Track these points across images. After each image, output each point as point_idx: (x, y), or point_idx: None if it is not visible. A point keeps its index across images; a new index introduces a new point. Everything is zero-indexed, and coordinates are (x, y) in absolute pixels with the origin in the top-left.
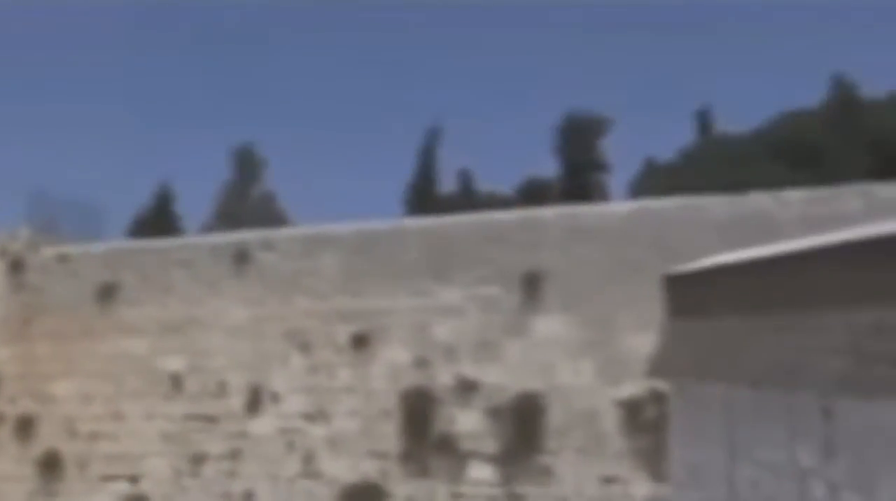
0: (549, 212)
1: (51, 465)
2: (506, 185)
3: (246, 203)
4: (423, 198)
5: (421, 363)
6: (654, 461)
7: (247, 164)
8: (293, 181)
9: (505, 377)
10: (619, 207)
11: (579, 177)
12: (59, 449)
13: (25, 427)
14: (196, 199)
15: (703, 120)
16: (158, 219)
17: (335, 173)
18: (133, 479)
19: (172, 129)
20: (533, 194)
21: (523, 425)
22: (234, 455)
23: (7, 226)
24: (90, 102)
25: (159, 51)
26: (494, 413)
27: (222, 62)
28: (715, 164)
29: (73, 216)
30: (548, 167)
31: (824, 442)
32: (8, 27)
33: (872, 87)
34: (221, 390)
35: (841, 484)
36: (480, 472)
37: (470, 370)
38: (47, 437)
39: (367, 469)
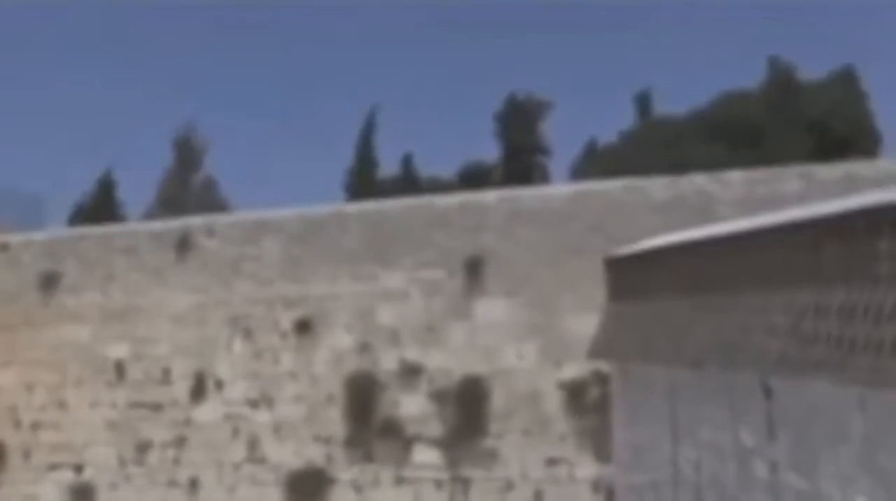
0: (490, 196)
1: None
2: (447, 170)
3: (188, 189)
4: (363, 182)
5: (364, 348)
6: (598, 442)
7: (188, 150)
8: (234, 167)
9: (449, 361)
10: (560, 190)
11: (520, 160)
12: (2, 439)
13: None
14: (138, 187)
15: (643, 102)
16: (100, 207)
17: (276, 159)
18: (78, 468)
19: (112, 115)
20: (474, 178)
21: (468, 408)
22: (179, 442)
23: None
24: (29, 89)
25: (96, 35)
26: (439, 396)
27: (162, 46)
28: (655, 146)
29: (13, 205)
30: (489, 151)
31: (766, 422)
32: None
33: (810, 69)
34: (165, 377)
35: (782, 464)
36: (425, 456)
37: (414, 354)
38: None
39: (312, 455)
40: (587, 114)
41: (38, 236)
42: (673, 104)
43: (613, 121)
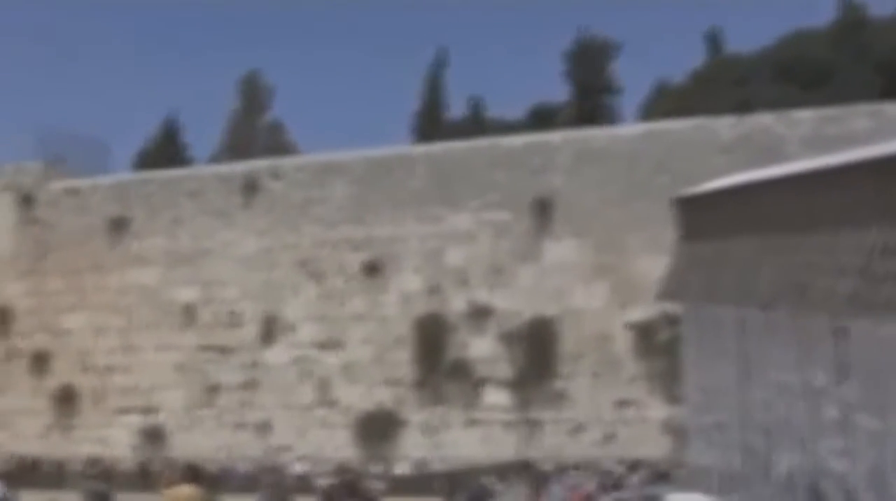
0: (558, 136)
1: (66, 399)
2: (516, 111)
3: (254, 133)
4: (431, 124)
5: (433, 289)
6: (667, 383)
7: (254, 93)
8: (301, 110)
9: (518, 302)
10: (628, 130)
11: (589, 100)
12: (74, 383)
13: (40, 361)
14: (203, 130)
15: (713, 41)
16: (165, 151)
17: (342, 101)
18: (148, 411)
19: (176, 59)
20: (543, 119)
21: (537, 350)
22: (249, 385)
23: (15, 161)
24: (91, 35)
25: None
26: (508, 338)
27: None
28: (723, 86)
29: (79, 150)
30: (558, 92)
31: (836, 363)
32: None
33: (879, 8)
34: (234, 320)
35: (854, 404)
36: (495, 397)
37: (482, 296)
38: (62, 371)
39: (382, 397)
40: (656, 53)
41: (106, 180)
42: (742, 43)
43: (682, 61)
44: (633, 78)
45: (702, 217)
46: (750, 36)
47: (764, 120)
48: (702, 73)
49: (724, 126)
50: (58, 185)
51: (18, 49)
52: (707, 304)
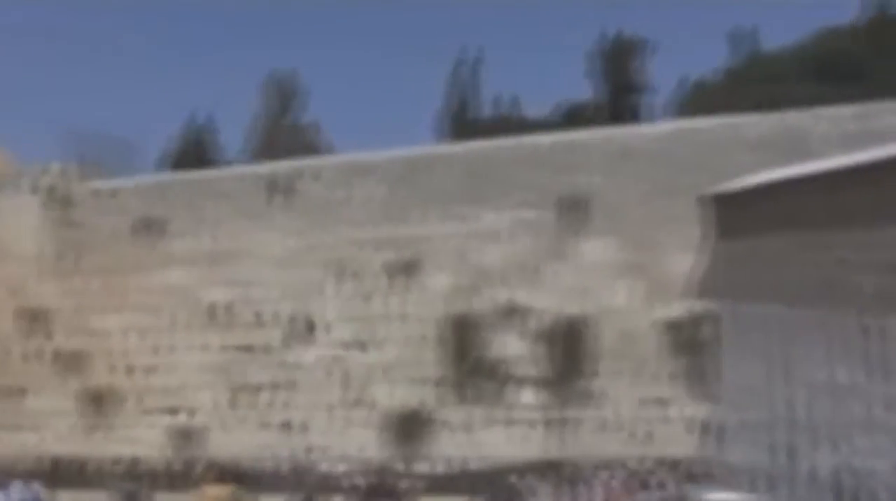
0: (589, 135)
1: (100, 399)
2: (546, 108)
3: (286, 133)
4: (463, 123)
5: (465, 288)
6: (699, 382)
7: (285, 93)
8: (334, 109)
9: (549, 301)
10: (659, 128)
11: (620, 98)
12: (109, 383)
13: (75, 362)
14: (235, 130)
15: (742, 39)
16: (194, 150)
17: (374, 100)
18: (183, 410)
19: (206, 58)
20: (573, 117)
21: (569, 348)
22: (283, 384)
23: (49, 162)
24: (118, 33)
25: None
26: (540, 337)
27: None
28: (754, 83)
29: (109, 150)
30: (588, 90)
31: (868, 360)
32: None
33: None
34: (268, 320)
35: (889, 403)
36: (526, 396)
37: (514, 294)
38: (97, 372)
39: (415, 396)
40: (686, 51)
41: (140, 181)
42: (772, 40)
43: (712, 59)
44: (662, 75)
45: (734, 214)
46: (778, 33)
47: (795, 117)
48: (731, 70)
49: (756, 123)
50: (91, 186)
51: (45, 48)
52: (740, 302)
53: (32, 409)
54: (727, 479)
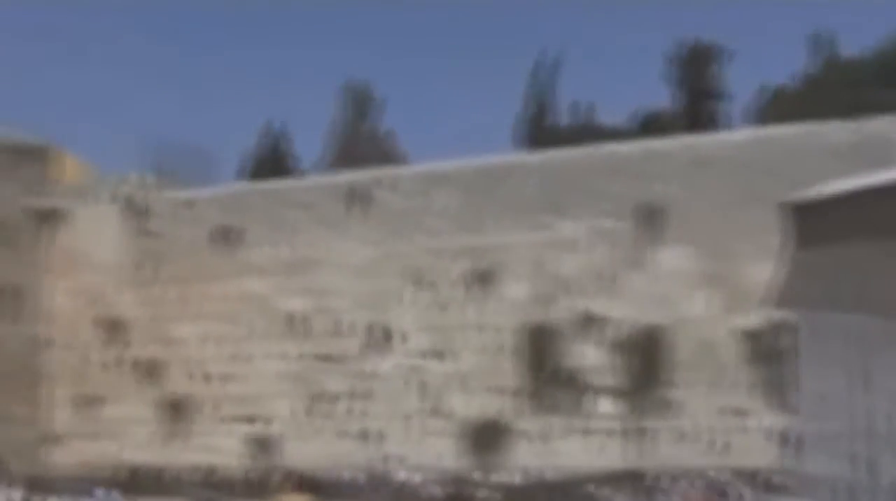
0: (667, 143)
1: (177, 407)
2: (624, 117)
3: (362, 141)
4: (540, 131)
5: (542, 298)
6: (778, 391)
7: (361, 102)
8: (410, 118)
9: (627, 310)
10: (738, 136)
11: (698, 106)
12: (186, 392)
13: (152, 370)
14: (311, 140)
15: (822, 44)
16: (271, 160)
17: (452, 109)
18: (259, 419)
19: (282, 67)
20: (651, 125)
21: (646, 358)
22: (360, 394)
23: (127, 172)
24: (196, 43)
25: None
26: (617, 346)
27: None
28: (835, 89)
29: (190, 160)
30: (666, 98)
31: None
32: None
33: None
34: (345, 329)
35: None
36: (604, 406)
37: (592, 304)
38: (173, 380)
39: (491, 406)
40: (765, 57)
41: (217, 191)
42: (853, 45)
43: (792, 64)
44: (740, 82)
45: (815, 222)
46: (860, 37)
47: (877, 124)
48: (811, 76)
49: (836, 130)
50: (169, 196)
51: (123, 58)
52: (821, 311)
53: (111, 418)
54: (806, 491)
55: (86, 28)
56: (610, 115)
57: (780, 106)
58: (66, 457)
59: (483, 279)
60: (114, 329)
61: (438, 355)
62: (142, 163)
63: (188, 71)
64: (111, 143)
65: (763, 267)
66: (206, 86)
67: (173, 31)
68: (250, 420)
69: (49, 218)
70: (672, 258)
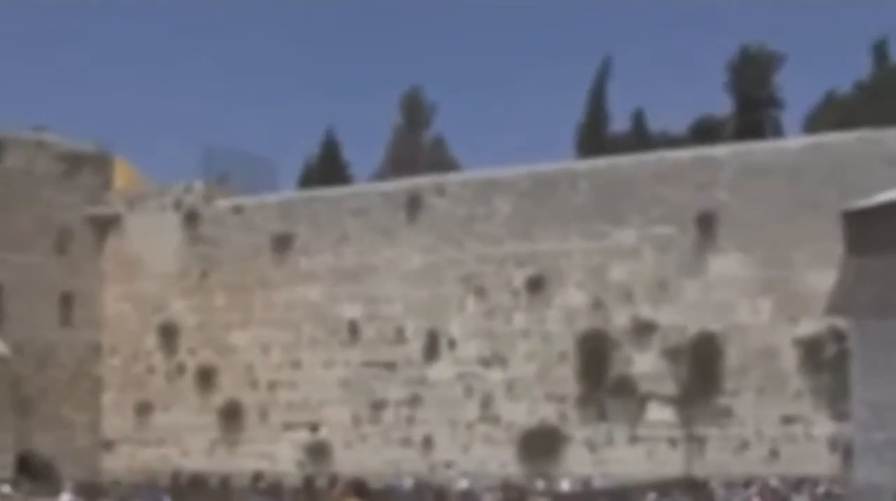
0: (722, 150)
1: (232, 415)
2: (679, 124)
3: (417, 149)
4: (594, 138)
5: (597, 305)
6: (835, 400)
7: (415, 109)
8: (463, 125)
9: (682, 317)
10: (793, 143)
11: (753, 113)
12: (240, 399)
13: (206, 377)
14: (366, 147)
15: (880, 51)
16: (328, 168)
17: (505, 116)
18: (313, 427)
19: (339, 75)
20: (706, 132)
21: (701, 366)
22: (413, 401)
23: (181, 180)
24: (260, 53)
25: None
26: (672, 354)
27: (386, 8)
28: (892, 96)
29: (244, 167)
30: (721, 104)
31: None
32: None
33: None
34: (398, 336)
35: None
36: (659, 414)
37: (646, 311)
38: (228, 387)
39: (545, 413)
40: (821, 64)
41: (271, 198)
42: None
43: (849, 72)
44: (797, 89)
45: (871, 230)
46: None
47: None
48: (868, 83)
49: (892, 138)
50: (223, 203)
51: (183, 67)
52: (877, 318)
53: (166, 424)
54: (861, 499)
55: (144, 37)
56: (665, 122)
57: (834, 113)
58: (121, 463)
59: (538, 286)
60: (169, 335)
61: (492, 362)
62: (199, 172)
63: (246, 80)
64: (169, 152)
65: (818, 274)
66: (264, 95)
67: (230, 41)
68: (305, 426)
69: (107, 225)
70: (727, 265)
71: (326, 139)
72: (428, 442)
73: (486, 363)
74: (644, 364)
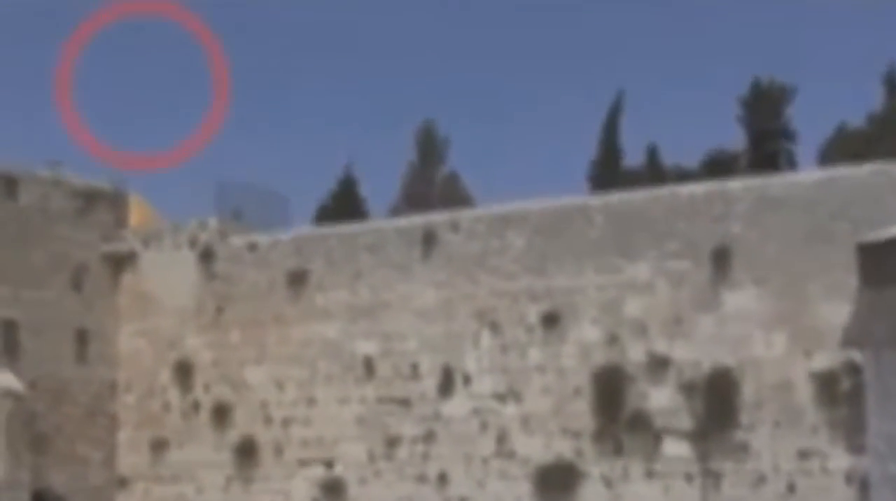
0: (736, 184)
1: (247, 451)
2: (691, 157)
3: (431, 185)
4: (608, 173)
5: (612, 340)
6: (851, 433)
7: (429, 146)
8: (477, 160)
9: (697, 352)
10: (807, 176)
11: (766, 146)
12: (255, 435)
13: (221, 413)
14: (381, 183)
15: (892, 82)
16: (343, 204)
17: (518, 151)
18: (328, 463)
19: (354, 111)
20: (719, 166)
21: (717, 400)
22: (428, 437)
23: (196, 217)
24: (272, 89)
25: (333, 35)
26: (688, 388)
27: (398, 44)
28: None
29: (259, 204)
30: (734, 137)
31: None
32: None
33: None
34: (413, 372)
35: None
36: (675, 449)
37: (661, 346)
38: (243, 423)
39: (561, 448)
40: (834, 96)
41: (285, 235)
42: None
43: (862, 104)
44: (810, 122)
45: (886, 263)
46: None
47: None
48: (881, 115)
49: None
50: (238, 240)
51: (194, 103)
52: (892, 351)
53: (181, 461)
54: None
55: (156, 73)
56: (678, 157)
57: (847, 145)
58: (136, 500)
59: (552, 321)
60: (185, 372)
61: (508, 397)
62: (213, 208)
63: (260, 115)
64: (184, 187)
65: (832, 307)
66: (278, 131)
67: (242, 76)
68: (320, 463)
69: (122, 262)
70: (741, 299)
71: (345, 175)
72: (443, 478)
73: (500, 398)
74: (659, 398)
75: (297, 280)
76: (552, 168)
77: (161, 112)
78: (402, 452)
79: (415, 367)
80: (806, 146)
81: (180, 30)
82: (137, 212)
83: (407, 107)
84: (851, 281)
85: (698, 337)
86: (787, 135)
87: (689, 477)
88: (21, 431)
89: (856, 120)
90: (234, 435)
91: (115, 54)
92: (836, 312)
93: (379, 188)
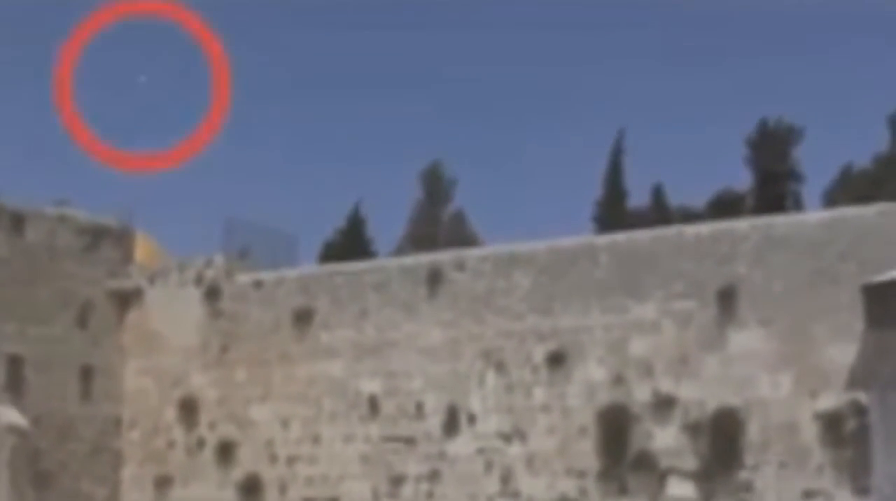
0: (742, 224)
1: (252, 489)
2: (698, 198)
3: (437, 224)
4: (613, 213)
5: (617, 380)
6: (857, 474)
7: (436, 185)
8: (483, 200)
9: (702, 392)
10: (813, 217)
11: (773, 187)
12: (260, 473)
13: (226, 451)
14: (387, 223)
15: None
16: (351, 243)
17: (524, 190)
18: None
19: (360, 152)
20: (726, 206)
21: (722, 440)
22: (433, 476)
23: (202, 254)
24: (280, 127)
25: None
26: (693, 428)
27: (404, 83)
28: None
29: (265, 242)
30: (741, 178)
31: None
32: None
33: None
34: (418, 411)
35: None
36: (680, 489)
37: (667, 386)
38: (247, 461)
39: (566, 488)
40: (840, 138)
41: (291, 273)
42: None
43: (867, 145)
44: (816, 163)
45: (891, 304)
46: None
47: None
48: (887, 156)
49: None
50: (244, 278)
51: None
52: (893, 391)
53: (188, 498)
54: None
55: (163, 109)
56: (685, 197)
57: (853, 186)
58: None
59: (558, 361)
60: (190, 410)
61: (513, 437)
62: (219, 245)
63: (266, 153)
64: (190, 224)
65: (838, 348)
66: (285, 169)
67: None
68: None
69: (128, 299)
70: (747, 339)
71: (353, 214)
72: None
73: (505, 438)
74: (665, 438)
75: (303, 318)
76: (558, 208)
77: (161, 112)
78: (407, 491)
79: (420, 406)
80: (811, 186)
81: (180, 30)
82: (143, 249)
83: (414, 147)
84: (857, 322)
85: (704, 378)
86: (794, 176)
87: None
88: (25, 467)
89: (861, 161)
90: (238, 473)
91: (115, 54)
92: (842, 353)
93: (385, 227)
